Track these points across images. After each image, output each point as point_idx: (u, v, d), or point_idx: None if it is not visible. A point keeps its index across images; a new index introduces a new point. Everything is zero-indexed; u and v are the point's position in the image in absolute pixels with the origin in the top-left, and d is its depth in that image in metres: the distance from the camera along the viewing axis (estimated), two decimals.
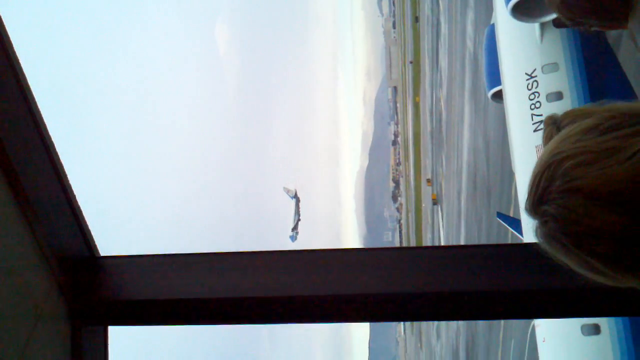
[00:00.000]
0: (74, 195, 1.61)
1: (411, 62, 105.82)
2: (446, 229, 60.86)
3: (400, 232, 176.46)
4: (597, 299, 1.46)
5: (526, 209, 1.17)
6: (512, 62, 13.53)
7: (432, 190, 76.20)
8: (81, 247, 1.67)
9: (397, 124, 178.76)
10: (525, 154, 12.85)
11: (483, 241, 34.92)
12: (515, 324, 29.16)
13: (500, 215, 21.44)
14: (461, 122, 44.66)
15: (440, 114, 62.28)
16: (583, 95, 12.34)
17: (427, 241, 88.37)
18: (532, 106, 12.91)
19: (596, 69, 12.50)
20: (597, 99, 1.17)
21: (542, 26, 12.86)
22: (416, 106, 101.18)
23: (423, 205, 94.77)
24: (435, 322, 75.50)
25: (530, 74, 13.05)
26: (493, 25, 14.68)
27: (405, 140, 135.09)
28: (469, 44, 38.99)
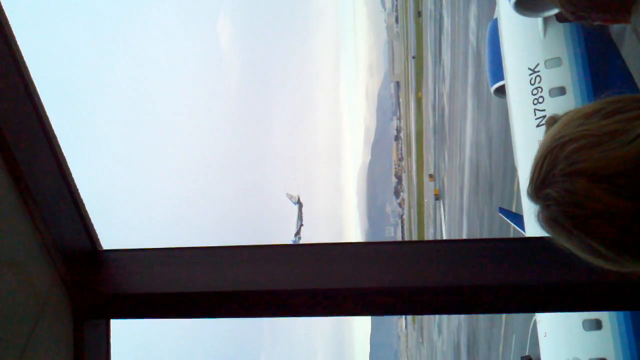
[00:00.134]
0: (77, 189, 1.61)
1: (414, 57, 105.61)
2: (448, 224, 60.82)
3: (402, 227, 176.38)
4: (599, 293, 1.46)
5: (528, 193, 1.16)
6: (515, 57, 13.49)
7: (435, 186, 76.07)
8: (84, 240, 1.67)
9: (399, 119, 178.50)
10: (528, 149, 12.82)
11: (485, 236, 34.88)
12: (517, 319, 29.18)
13: (502, 210, 21.42)
14: (464, 118, 44.57)
15: (443, 109, 62.16)
16: (586, 90, 12.30)
17: (429, 236, 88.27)
18: (535, 101, 12.88)
19: (599, 64, 12.46)
20: (600, 93, 1.17)
21: (545, 21, 12.82)
22: (419, 101, 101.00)
23: (425, 200, 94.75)
24: (437, 318, 75.58)
25: (533, 68, 13.01)
26: (496, 19, 14.63)
27: (408, 136, 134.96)
28: (472, 38, 38.87)
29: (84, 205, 1.64)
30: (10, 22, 1.35)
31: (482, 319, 39.62)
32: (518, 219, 17.06)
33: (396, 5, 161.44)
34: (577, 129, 1.08)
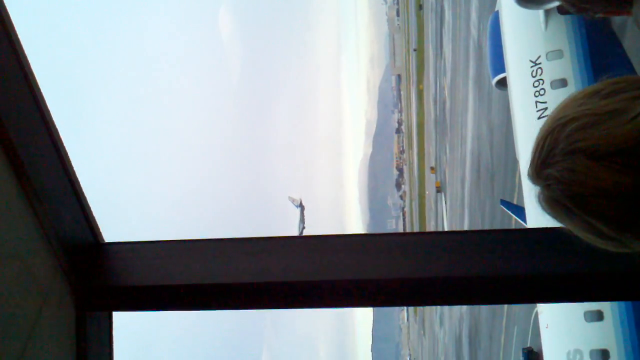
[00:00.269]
0: (79, 182, 1.62)
1: (415, 50, 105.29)
2: (450, 217, 60.81)
3: (403, 220, 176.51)
4: (600, 284, 1.47)
5: (529, 174, 1.16)
6: (516, 49, 13.46)
7: (436, 178, 76.01)
8: (86, 233, 1.68)
9: (400, 111, 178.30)
10: (530, 141, 12.79)
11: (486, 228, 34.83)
12: (519, 311, 29.22)
13: (503, 202, 21.41)
14: (465, 110, 44.48)
15: (444, 102, 62.03)
16: (588, 82, 12.27)
17: (430, 229, 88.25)
18: (537, 93, 12.85)
19: (601, 56, 12.43)
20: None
21: (547, 13, 12.78)
22: (420, 94, 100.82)
23: (427, 192, 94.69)
24: (439, 310, 75.71)
25: (535, 61, 12.98)
26: (497, 12, 14.59)
27: (409, 128, 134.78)
28: (473, 31, 38.73)
29: (85, 198, 1.65)
30: (10, 15, 1.35)
31: (484, 310, 39.69)
32: (519, 211, 17.05)
33: None
34: (577, 109, 1.08)
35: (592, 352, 12.01)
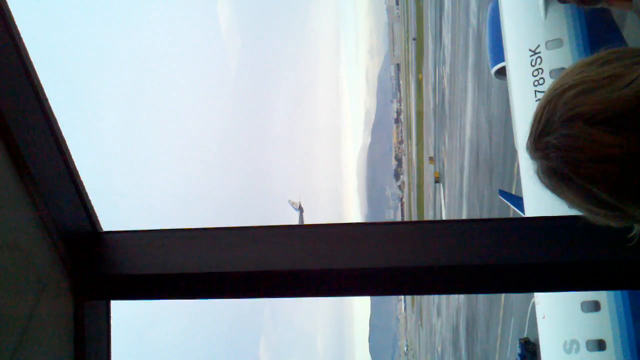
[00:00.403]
0: (77, 171, 1.61)
1: (414, 39, 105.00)
2: (448, 207, 60.92)
3: (402, 210, 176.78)
4: (598, 272, 1.47)
5: (527, 147, 1.16)
6: (515, 38, 13.41)
7: (435, 168, 76.05)
8: (84, 222, 1.67)
9: (399, 101, 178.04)
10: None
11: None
12: (516, 302, 29.35)
13: (502, 192, 21.45)
14: (464, 99, 44.45)
15: (444, 91, 61.96)
16: None
17: (428, 219, 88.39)
18: (536, 82, 12.83)
19: (600, 45, 12.26)
20: None
21: (546, 1, 12.73)
22: (419, 83, 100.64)
23: (425, 178, 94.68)
24: (436, 301, 76.00)
25: (534, 50, 12.94)
26: (497, 0, 14.54)
27: (408, 118, 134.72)
28: (473, 20, 38.64)
29: (84, 186, 1.64)
30: (9, 5, 1.34)
31: (482, 301, 39.86)
32: (518, 201, 17.08)
33: None
34: (576, 77, 1.08)
35: (588, 343, 12.07)
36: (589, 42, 12.44)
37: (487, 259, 1.49)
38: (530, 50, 12.99)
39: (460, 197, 49.25)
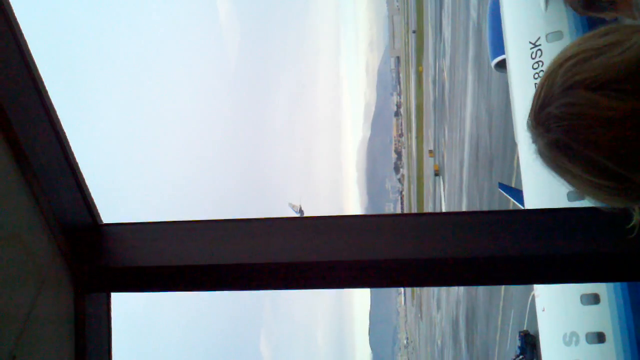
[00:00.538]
0: (77, 163, 1.61)
1: (414, 32, 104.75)
2: (448, 200, 60.90)
3: (402, 203, 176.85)
4: (598, 264, 1.47)
5: (528, 124, 1.14)
6: (516, 31, 13.37)
7: (435, 161, 75.95)
8: (84, 214, 1.67)
9: (399, 94, 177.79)
10: None
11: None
12: (515, 294, 29.39)
13: (501, 185, 21.45)
14: (464, 92, 44.36)
15: (443, 84, 61.84)
16: None
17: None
18: (536, 75, 12.79)
19: None
20: None
21: None
22: (419, 76, 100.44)
23: (424, 171, 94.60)
24: (436, 294, 76.12)
25: (535, 42, 12.90)
26: None
27: (408, 111, 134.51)
28: (473, 12, 38.51)
29: (84, 179, 1.64)
30: (10, 1, 1.34)
31: (481, 293, 39.90)
32: (517, 194, 17.08)
33: None
34: (575, 48, 1.08)
35: (588, 335, 12.10)
36: None
37: (487, 251, 1.49)
38: (530, 42, 12.95)
39: (460, 190, 49.23)
